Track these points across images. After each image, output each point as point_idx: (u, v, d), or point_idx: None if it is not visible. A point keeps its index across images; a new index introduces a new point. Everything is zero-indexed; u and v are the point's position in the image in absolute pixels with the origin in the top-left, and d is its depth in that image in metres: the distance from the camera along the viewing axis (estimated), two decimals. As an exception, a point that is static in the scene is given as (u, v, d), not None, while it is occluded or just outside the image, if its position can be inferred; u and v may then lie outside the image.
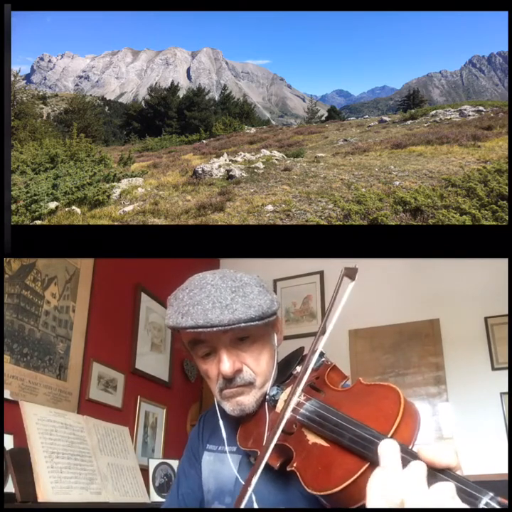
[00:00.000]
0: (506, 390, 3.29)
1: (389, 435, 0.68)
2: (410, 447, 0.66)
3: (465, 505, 0.56)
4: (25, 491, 1.86)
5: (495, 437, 3.25)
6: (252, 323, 0.90)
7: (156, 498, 2.72)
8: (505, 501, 0.56)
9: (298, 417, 0.82)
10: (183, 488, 1.10)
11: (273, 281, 4.28)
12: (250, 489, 0.76)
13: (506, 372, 3.32)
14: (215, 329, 0.88)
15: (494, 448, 3.20)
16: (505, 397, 3.31)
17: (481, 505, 0.56)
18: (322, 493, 0.70)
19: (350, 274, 0.89)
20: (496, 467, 3.03)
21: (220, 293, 0.91)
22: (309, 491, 0.72)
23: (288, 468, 0.79)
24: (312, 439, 0.79)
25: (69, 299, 2.71)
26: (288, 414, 0.81)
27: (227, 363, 0.92)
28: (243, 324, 0.88)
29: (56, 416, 2.15)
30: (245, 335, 0.94)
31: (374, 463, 0.65)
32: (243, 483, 0.92)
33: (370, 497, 0.61)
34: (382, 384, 0.79)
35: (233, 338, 0.93)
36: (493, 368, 3.44)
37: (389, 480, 0.60)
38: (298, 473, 0.76)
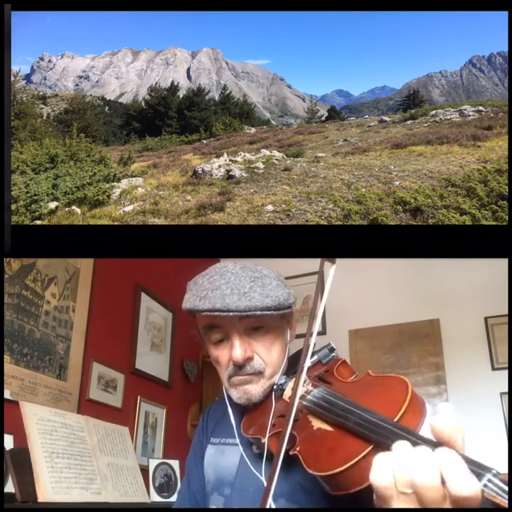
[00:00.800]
0: (506, 390, 3.30)
1: (395, 419, 0.68)
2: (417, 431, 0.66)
3: (476, 479, 0.56)
4: (25, 491, 1.86)
5: (495, 437, 3.25)
6: (268, 313, 0.91)
7: (156, 498, 2.73)
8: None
9: (304, 403, 0.82)
10: (194, 487, 1.11)
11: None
12: (272, 487, 0.76)
13: (506, 372, 3.32)
14: (231, 314, 0.90)
15: (494, 448, 3.20)
16: (505, 397, 3.31)
17: (484, 481, 0.56)
18: (323, 474, 0.70)
19: (330, 260, 0.92)
20: (495, 467, 3.03)
21: (239, 281, 0.93)
22: (311, 471, 0.72)
23: (291, 452, 0.79)
24: (317, 424, 0.79)
25: (69, 299, 2.71)
26: (296, 401, 0.81)
27: (239, 350, 0.93)
28: (259, 312, 0.90)
29: (56, 416, 2.15)
30: (260, 324, 0.96)
31: (378, 445, 0.66)
32: (255, 471, 0.93)
33: (376, 467, 0.60)
34: (391, 375, 0.79)
35: (248, 326, 0.95)
36: (493, 368, 3.44)
37: (399, 459, 0.60)
38: (300, 457, 0.76)
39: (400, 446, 0.61)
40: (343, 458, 0.68)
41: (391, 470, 0.60)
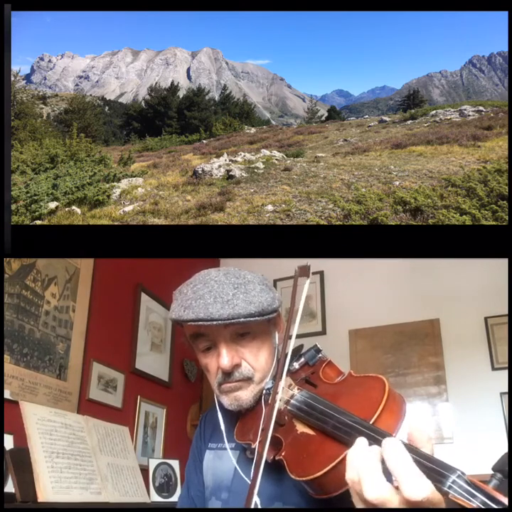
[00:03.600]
0: (506, 390, 3.29)
1: (371, 421, 0.69)
2: (393, 435, 0.67)
3: (429, 481, 0.55)
4: (25, 491, 1.86)
5: (495, 437, 3.25)
6: (252, 319, 0.91)
7: (156, 498, 2.73)
8: (476, 481, 0.56)
9: (288, 407, 0.84)
10: (193, 491, 1.12)
11: (273, 281, 4.28)
12: (256, 487, 0.77)
13: (506, 372, 3.32)
14: (215, 323, 0.90)
15: (494, 448, 3.20)
16: (505, 397, 3.31)
17: (449, 483, 0.55)
18: (304, 479, 0.71)
19: (304, 272, 0.95)
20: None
21: (222, 288, 0.93)
22: (293, 477, 0.74)
23: (276, 458, 0.81)
24: (301, 428, 0.81)
25: (69, 299, 2.71)
26: (277, 404, 0.83)
27: (226, 358, 0.94)
28: (242, 319, 0.90)
29: (56, 416, 2.15)
30: (246, 331, 0.96)
31: None
32: (244, 476, 0.94)
33: (348, 466, 0.62)
34: (370, 375, 0.81)
35: (233, 333, 0.95)
36: (493, 368, 3.44)
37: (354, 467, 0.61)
38: (285, 462, 0.78)
39: (357, 442, 0.63)
40: (322, 462, 0.69)
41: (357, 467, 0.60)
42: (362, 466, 0.59)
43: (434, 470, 0.57)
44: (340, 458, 0.67)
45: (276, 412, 0.82)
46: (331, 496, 0.68)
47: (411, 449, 0.61)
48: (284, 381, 0.87)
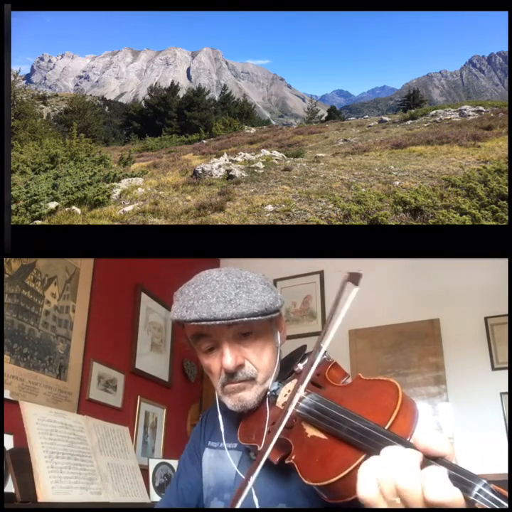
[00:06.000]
0: (506, 390, 3.29)
1: (386, 427, 0.68)
2: (408, 439, 0.67)
3: (457, 489, 0.57)
4: (25, 491, 1.86)
5: (495, 437, 3.25)
6: (255, 318, 0.91)
7: (156, 498, 2.72)
8: (501, 489, 0.57)
9: (297, 410, 0.82)
10: (182, 483, 1.11)
11: (273, 281, 4.28)
12: (249, 484, 0.76)
13: (506, 372, 3.32)
14: (218, 323, 0.89)
15: (494, 448, 3.20)
16: (505, 397, 3.31)
17: (475, 492, 0.57)
18: (319, 484, 0.70)
19: (354, 279, 0.87)
20: (496, 467, 3.03)
21: (224, 288, 0.93)
22: (307, 482, 0.73)
23: (286, 461, 0.80)
24: (311, 432, 0.79)
25: (69, 298, 2.71)
26: (291, 409, 0.81)
27: (229, 358, 0.93)
28: (246, 319, 0.90)
29: (56, 416, 2.15)
30: (248, 330, 0.95)
31: (371, 454, 0.66)
32: (244, 477, 0.93)
33: (361, 479, 0.62)
34: (380, 379, 0.79)
35: (236, 333, 0.95)
36: (493, 368, 3.44)
37: (383, 464, 0.62)
38: (296, 466, 0.77)
39: (384, 453, 0.63)
40: (337, 468, 0.68)
41: (376, 481, 0.61)
42: (387, 472, 0.61)
43: (460, 479, 0.58)
44: (357, 463, 0.66)
45: (288, 416, 0.80)
46: (345, 501, 0.68)
47: (437, 459, 0.62)
48: (294, 386, 0.85)
